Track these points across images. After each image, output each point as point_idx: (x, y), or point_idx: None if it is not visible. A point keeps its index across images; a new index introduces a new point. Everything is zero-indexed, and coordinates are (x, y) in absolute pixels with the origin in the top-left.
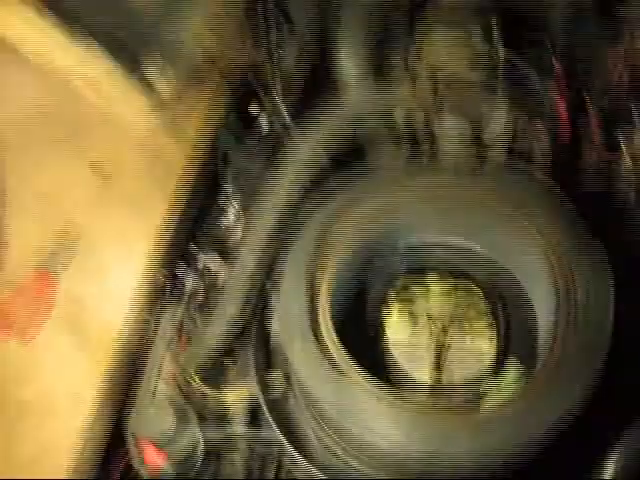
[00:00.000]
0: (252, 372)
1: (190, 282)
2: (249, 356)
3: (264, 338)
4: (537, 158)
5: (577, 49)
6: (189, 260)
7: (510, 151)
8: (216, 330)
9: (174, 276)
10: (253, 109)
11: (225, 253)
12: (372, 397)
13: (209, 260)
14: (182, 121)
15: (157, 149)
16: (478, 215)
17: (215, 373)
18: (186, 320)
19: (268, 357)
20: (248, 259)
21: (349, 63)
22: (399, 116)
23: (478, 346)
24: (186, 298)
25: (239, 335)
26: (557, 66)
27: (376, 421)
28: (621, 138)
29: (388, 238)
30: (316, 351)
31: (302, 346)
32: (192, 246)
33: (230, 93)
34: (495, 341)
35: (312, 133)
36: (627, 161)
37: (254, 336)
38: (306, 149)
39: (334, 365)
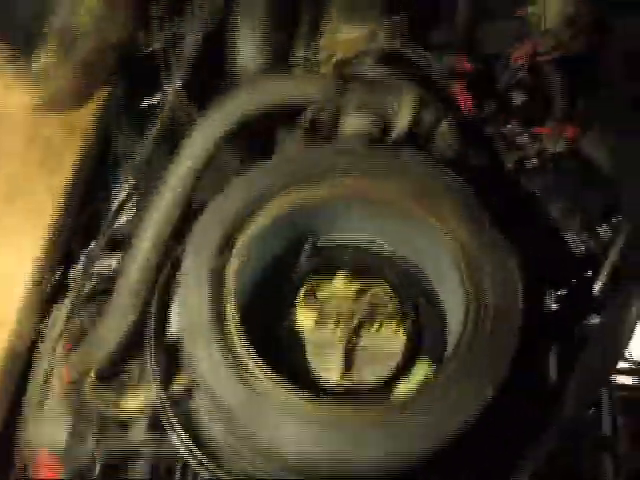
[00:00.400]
0: (154, 375)
1: (84, 278)
2: (150, 358)
3: (166, 339)
4: (443, 154)
5: (481, 47)
6: (83, 255)
7: (417, 147)
8: (110, 328)
9: (65, 272)
10: (150, 98)
11: (121, 249)
12: (281, 402)
13: (104, 255)
14: (73, 111)
15: (46, 141)
16: (387, 214)
17: (114, 376)
18: (81, 319)
19: (170, 359)
20: (142, 253)
21: (247, 51)
22: (304, 111)
23: (388, 346)
24: (80, 295)
25: (137, 335)
26: (463, 64)
27: (285, 426)
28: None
29: (296, 236)
30: (222, 353)
31: (207, 348)
32: (86, 240)
33: (126, 81)
34: (405, 340)
35: (209, 123)
36: (532, 158)
37: (155, 337)
38: (202, 141)
39: (241, 368)
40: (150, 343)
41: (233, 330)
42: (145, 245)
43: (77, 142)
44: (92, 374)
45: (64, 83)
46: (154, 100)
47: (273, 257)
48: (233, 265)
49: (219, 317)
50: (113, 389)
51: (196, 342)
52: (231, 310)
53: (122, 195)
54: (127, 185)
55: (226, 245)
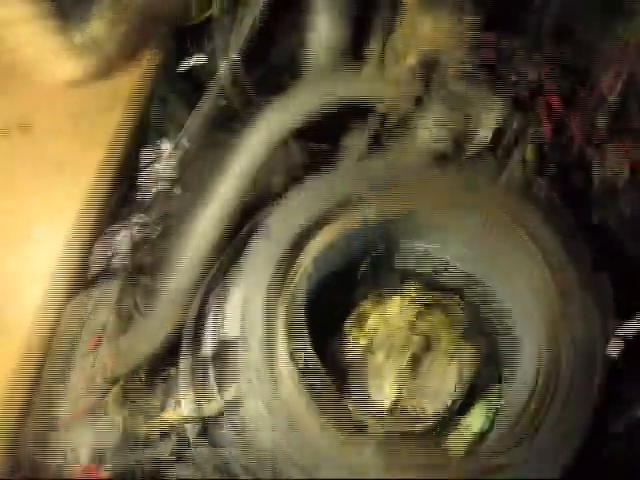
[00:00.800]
0: (199, 383)
1: (126, 254)
2: (197, 362)
3: (217, 342)
4: (526, 158)
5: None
6: (125, 229)
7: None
8: (155, 326)
9: (107, 247)
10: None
11: (165, 222)
12: (329, 441)
13: (147, 229)
14: (118, 82)
15: (89, 107)
16: (462, 235)
17: (158, 380)
18: (124, 300)
19: (219, 363)
20: (194, 249)
21: (323, 41)
22: (379, 105)
23: (442, 382)
24: (122, 273)
25: (183, 337)
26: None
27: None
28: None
29: (359, 251)
30: (276, 377)
31: (261, 359)
32: (128, 214)
33: (175, 48)
34: (460, 378)
35: (276, 116)
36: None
37: (204, 340)
38: (268, 134)
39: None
40: (199, 349)
41: (289, 354)
42: (197, 240)
43: (122, 114)
44: (139, 371)
45: (114, 51)
46: (197, 61)
47: (337, 270)
48: (295, 277)
49: (279, 335)
50: (157, 394)
51: (251, 352)
52: (286, 327)
53: (167, 166)
54: (174, 161)
55: (288, 260)
